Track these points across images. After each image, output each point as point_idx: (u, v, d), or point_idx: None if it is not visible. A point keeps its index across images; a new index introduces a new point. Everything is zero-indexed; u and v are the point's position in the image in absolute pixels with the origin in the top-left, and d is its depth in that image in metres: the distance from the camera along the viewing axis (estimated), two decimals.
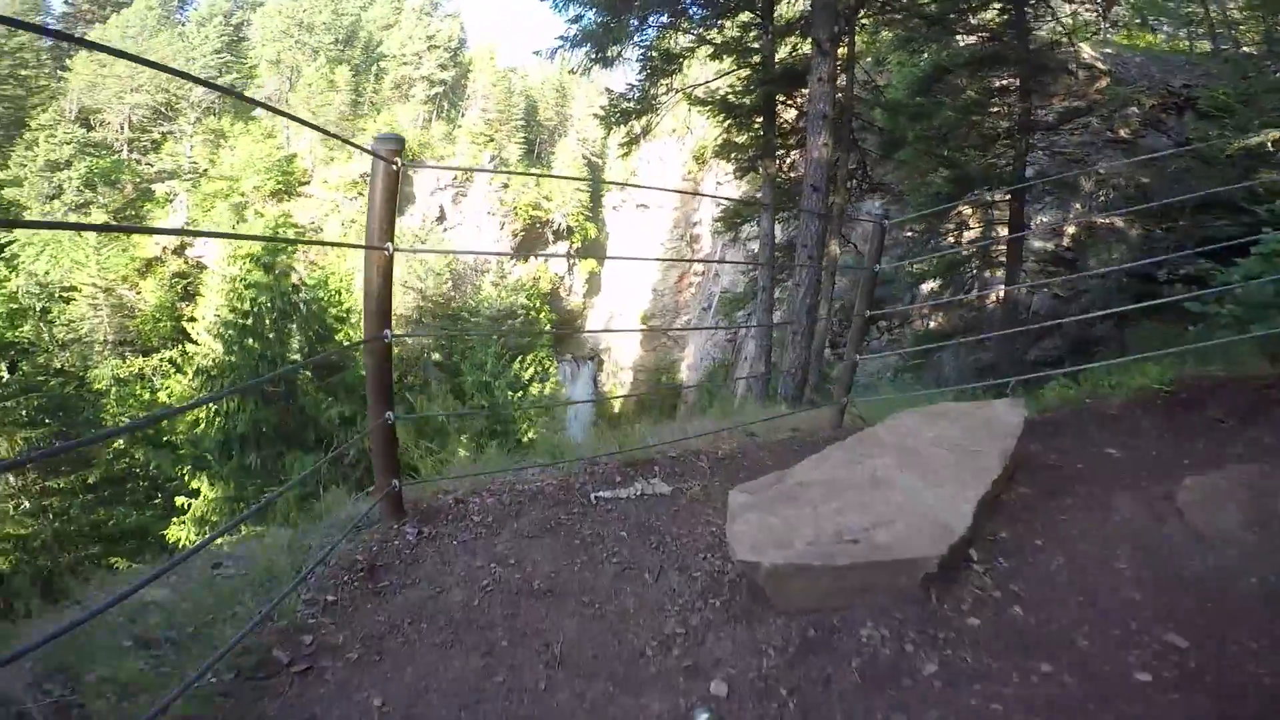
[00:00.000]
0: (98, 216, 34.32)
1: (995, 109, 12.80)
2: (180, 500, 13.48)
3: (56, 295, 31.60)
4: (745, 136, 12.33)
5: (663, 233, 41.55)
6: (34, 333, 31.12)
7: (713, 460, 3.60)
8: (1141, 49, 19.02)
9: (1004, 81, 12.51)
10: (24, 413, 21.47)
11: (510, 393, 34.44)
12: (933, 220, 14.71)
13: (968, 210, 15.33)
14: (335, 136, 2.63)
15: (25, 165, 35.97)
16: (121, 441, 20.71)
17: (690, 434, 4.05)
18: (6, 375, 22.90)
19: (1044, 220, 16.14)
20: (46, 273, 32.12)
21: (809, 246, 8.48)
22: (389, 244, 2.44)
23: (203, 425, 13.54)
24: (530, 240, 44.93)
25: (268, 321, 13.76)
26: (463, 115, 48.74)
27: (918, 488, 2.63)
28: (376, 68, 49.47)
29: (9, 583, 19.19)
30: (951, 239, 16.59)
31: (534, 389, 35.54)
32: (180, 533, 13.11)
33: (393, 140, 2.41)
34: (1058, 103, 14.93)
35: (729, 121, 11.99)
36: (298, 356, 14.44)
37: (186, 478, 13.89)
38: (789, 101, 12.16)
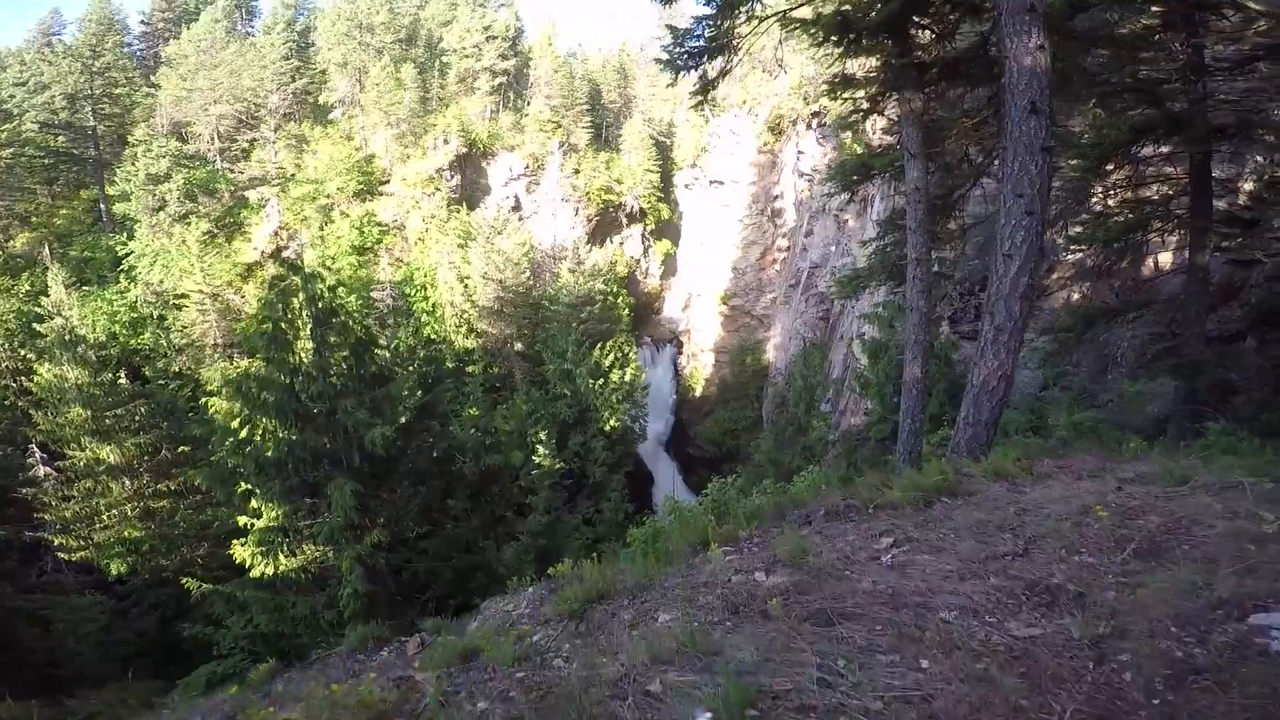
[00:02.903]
0: (200, 226, 35.88)
1: (1162, 48, 11.36)
2: (243, 520, 12.06)
3: (170, 302, 33.28)
4: (869, 65, 9.57)
5: (740, 209, 40.49)
6: (153, 339, 33.08)
7: None
8: None
9: (1151, 22, 11.01)
10: (135, 419, 22.73)
11: (591, 380, 34.48)
12: (1089, 176, 13.41)
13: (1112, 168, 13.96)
14: None
15: (130, 180, 37.89)
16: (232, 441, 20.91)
17: None
18: (125, 382, 24.26)
19: (1215, 176, 14.65)
20: (161, 281, 33.86)
21: (1027, 196, 5.82)
22: None
23: (251, 447, 11.52)
24: (604, 225, 44.63)
25: (301, 329, 11.42)
26: (528, 104, 48.61)
27: None
28: (439, 63, 49.81)
29: (126, 583, 20.37)
30: (1098, 199, 15.22)
31: (614, 375, 35.48)
32: (244, 553, 11.71)
33: None
34: (1212, 45, 13.38)
35: (843, 47, 9.11)
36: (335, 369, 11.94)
37: (246, 499, 12.18)
38: (924, 23, 9.34)
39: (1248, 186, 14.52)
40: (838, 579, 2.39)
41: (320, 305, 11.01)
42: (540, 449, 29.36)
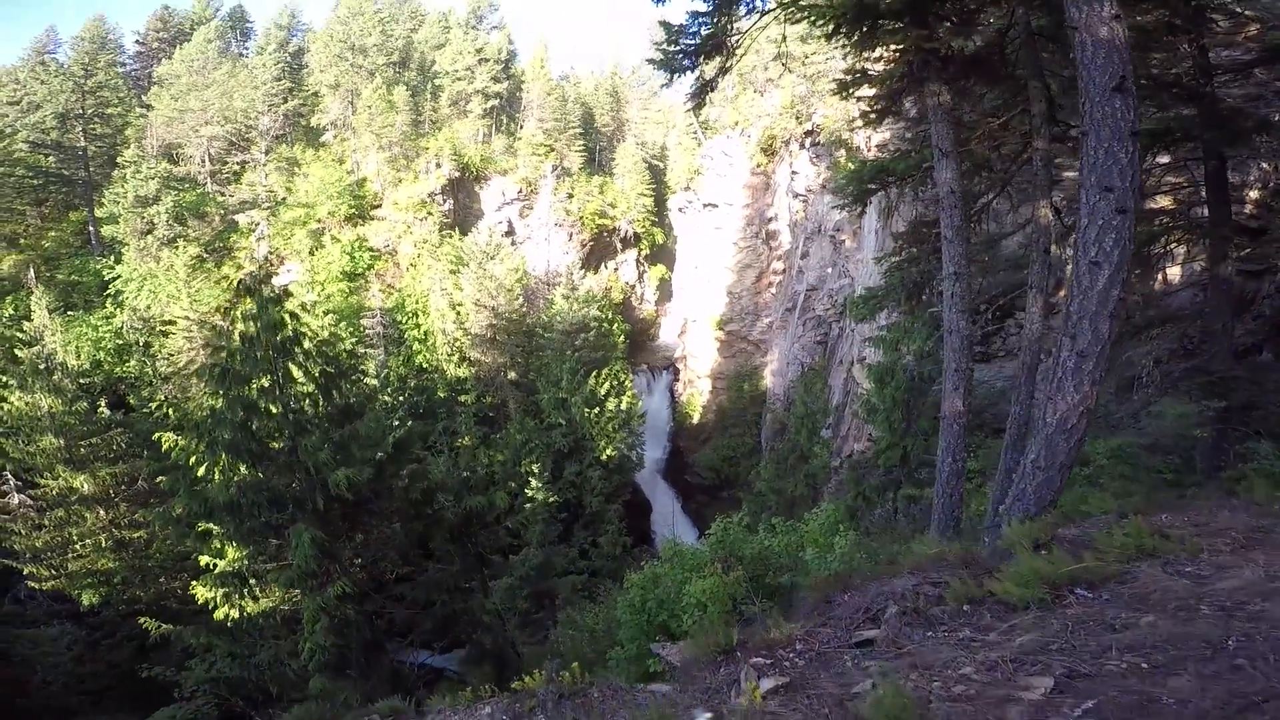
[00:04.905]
0: (189, 250, 35.26)
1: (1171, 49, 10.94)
2: (204, 559, 11.34)
3: (156, 329, 32.51)
4: (884, 59, 8.71)
5: (734, 232, 40.22)
6: (138, 367, 32.23)
7: None
8: None
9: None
10: (112, 448, 22.03)
11: (587, 409, 33.71)
12: None
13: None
14: None
15: (118, 202, 37.33)
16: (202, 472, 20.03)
17: None
18: (104, 411, 23.52)
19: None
20: (148, 306, 33.14)
21: (1118, 190, 4.71)
22: None
23: (204, 487, 10.77)
24: (599, 250, 44.27)
25: (261, 360, 10.45)
26: (520, 128, 48.54)
27: None
28: (432, 86, 49.77)
29: (99, 614, 19.60)
30: None
31: (610, 404, 34.72)
32: (206, 594, 11.02)
33: None
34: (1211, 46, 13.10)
35: (857, 37, 8.08)
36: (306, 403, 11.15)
37: (203, 538, 11.58)
38: (943, 10, 8.19)
39: (1253, 195, 14.12)
40: None
41: (282, 333, 10.21)
42: (534, 481, 28.53)
